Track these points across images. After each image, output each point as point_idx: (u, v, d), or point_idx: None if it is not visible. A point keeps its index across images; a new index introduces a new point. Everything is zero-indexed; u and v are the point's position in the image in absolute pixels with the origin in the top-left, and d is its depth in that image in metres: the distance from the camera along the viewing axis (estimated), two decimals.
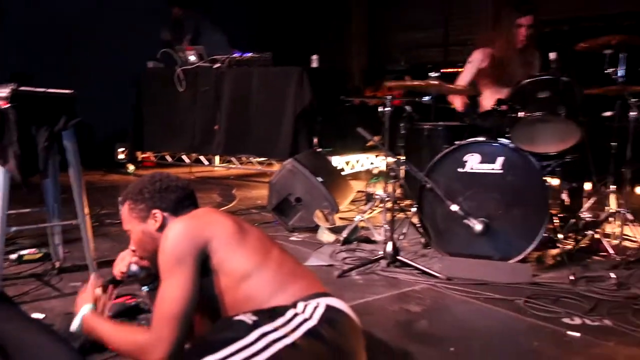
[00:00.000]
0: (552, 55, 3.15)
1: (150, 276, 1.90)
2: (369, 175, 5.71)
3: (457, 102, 4.07)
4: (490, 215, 3.06)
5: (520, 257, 3.03)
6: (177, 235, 1.61)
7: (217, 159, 6.76)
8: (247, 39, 7.06)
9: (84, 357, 1.88)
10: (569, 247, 3.35)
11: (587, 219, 3.44)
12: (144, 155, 6.90)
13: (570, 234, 3.49)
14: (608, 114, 3.38)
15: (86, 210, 2.71)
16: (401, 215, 3.58)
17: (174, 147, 6.59)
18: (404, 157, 3.84)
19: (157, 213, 1.74)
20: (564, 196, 3.44)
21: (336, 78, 6.56)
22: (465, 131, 3.54)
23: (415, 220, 3.36)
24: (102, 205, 4.47)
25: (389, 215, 3.19)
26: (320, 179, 3.90)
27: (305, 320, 1.53)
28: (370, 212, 4.11)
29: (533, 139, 3.12)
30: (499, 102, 3.25)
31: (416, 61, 8.21)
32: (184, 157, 6.71)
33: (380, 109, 3.38)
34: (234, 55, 6.06)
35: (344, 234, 3.54)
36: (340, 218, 4.02)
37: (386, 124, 3.31)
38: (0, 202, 2.42)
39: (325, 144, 5.71)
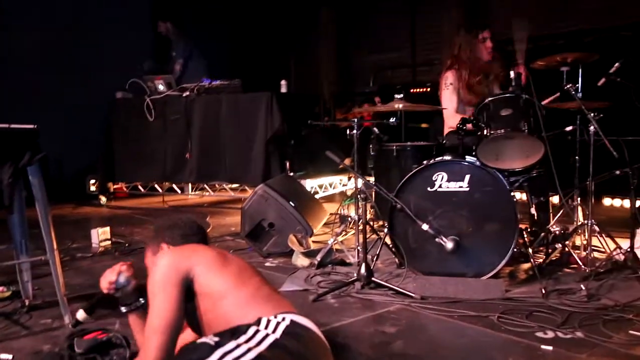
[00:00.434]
0: (512, 74, 3.23)
1: (133, 294, 2.01)
2: (343, 197, 5.74)
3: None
4: (461, 233, 3.10)
5: (493, 272, 3.07)
6: (165, 262, 1.80)
7: (189, 187, 6.73)
8: (216, 67, 7.08)
9: None
10: (540, 260, 3.40)
11: (556, 232, 3.51)
12: (116, 186, 6.84)
13: (540, 248, 3.55)
14: (569, 128, 3.46)
15: (55, 245, 2.67)
16: (374, 236, 3.60)
17: (146, 176, 6.54)
18: (374, 178, 3.89)
19: (164, 246, 2.03)
20: (533, 210, 3.50)
21: (306, 102, 6.63)
22: (433, 150, 3.60)
23: (388, 240, 3.38)
24: (73, 239, 4.40)
25: (361, 237, 3.21)
26: (292, 203, 3.91)
27: (268, 335, 1.60)
28: (344, 234, 4.12)
29: (498, 155, 3.18)
30: (464, 121, 3.32)
31: (385, 82, 8.32)
32: (157, 186, 6.66)
33: (348, 131, 3.42)
34: (203, 83, 6.08)
35: (319, 257, 3.54)
36: (314, 241, 4.03)
37: (355, 146, 3.34)
38: None
39: (298, 168, 5.74)
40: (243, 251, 4.04)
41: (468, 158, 3.21)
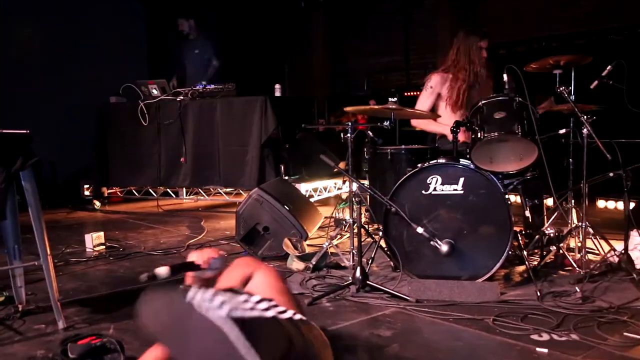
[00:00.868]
0: (505, 77, 3.24)
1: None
2: (338, 201, 5.74)
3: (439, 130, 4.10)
4: (455, 236, 3.10)
5: (488, 275, 3.07)
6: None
7: (184, 191, 6.72)
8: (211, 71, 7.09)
9: None
10: (535, 263, 3.41)
11: (551, 234, 3.52)
12: (110, 191, 6.82)
13: (535, 250, 3.56)
14: (562, 131, 3.48)
15: (48, 250, 2.65)
16: (369, 239, 3.59)
17: (141, 181, 6.53)
18: (369, 182, 3.89)
19: None
20: (528, 213, 3.50)
21: (300, 105, 6.63)
22: (428, 154, 3.60)
23: (382, 244, 3.38)
24: (67, 243, 4.39)
25: (356, 241, 3.21)
26: (287, 207, 3.91)
27: (285, 311, 1.50)
28: (339, 238, 4.12)
29: (492, 158, 3.20)
30: (457, 124, 3.32)
31: (379, 86, 8.34)
32: (151, 190, 6.64)
33: (342, 135, 3.42)
34: (197, 87, 6.08)
35: (314, 260, 3.54)
36: (309, 245, 4.03)
37: (349, 149, 3.34)
38: None
39: (292, 172, 5.74)
40: (238, 255, 4.03)
41: (462, 161, 3.22)
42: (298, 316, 1.54)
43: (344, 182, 6.30)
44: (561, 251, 3.45)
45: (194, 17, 6.96)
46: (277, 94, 6.05)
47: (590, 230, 3.30)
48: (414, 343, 2.45)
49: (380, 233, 3.33)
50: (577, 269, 3.23)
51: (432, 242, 3.03)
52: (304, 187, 5.81)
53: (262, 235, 3.93)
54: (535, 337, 2.41)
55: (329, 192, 6.34)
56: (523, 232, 3.59)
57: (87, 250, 4.25)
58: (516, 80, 3.17)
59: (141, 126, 6.19)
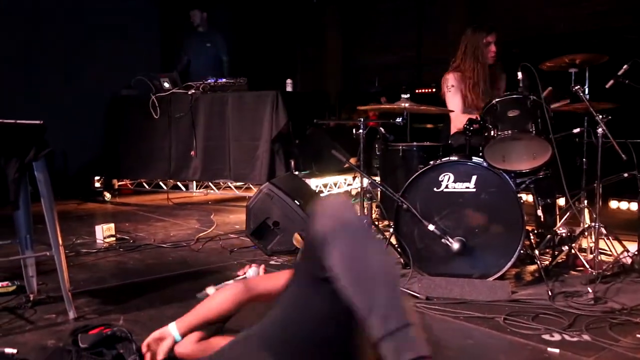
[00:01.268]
0: (519, 75, 3.21)
1: None
2: (347, 197, 5.72)
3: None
4: (467, 234, 3.08)
5: (499, 274, 3.06)
6: None
7: (194, 184, 6.73)
8: (223, 65, 7.09)
9: None
10: (546, 262, 3.39)
11: (563, 234, 3.49)
12: (120, 183, 6.85)
13: (546, 250, 3.54)
14: (577, 130, 3.45)
15: (60, 241, 2.67)
16: (379, 236, 3.58)
17: (151, 174, 6.54)
18: (380, 178, 3.87)
19: None
20: (539, 212, 3.48)
21: (312, 101, 6.62)
22: (440, 151, 3.58)
23: (393, 240, 3.37)
24: (77, 235, 4.41)
25: None
26: (297, 202, 3.90)
27: None
28: None
29: (505, 156, 3.17)
30: (470, 122, 3.30)
31: (390, 82, 8.31)
32: (161, 183, 6.66)
33: (354, 130, 3.40)
34: (209, 81, 6.08)
35: None
36: None
37: (361, 145, 3.33)
38: None
39: (302, 167, 5.73)
40: (247, 249, 4.04)
41: (475, 159, 3.20)
42: None
43: (354, 178, 6.29)
44: (573, 251, 3.42)
45: (207, 10, 6.95)
46: (289, 89, 6.04)
47: (603, 230, 3.27)
48: None
49: (391, 229, 3.33)
50: (589, 269, 3.20)
51: (443, 240, 3.02)
52: (314, 183, 5.80)
53: (272, 230, 3.93)
54: (546, 337, 2.40)
55: (338, 187, 6.33)
56: (535, 232, 3.57)
57: (98, 241, 4.27)
58: (531, 78, 3.14)
59: (152, 119, 6.20)
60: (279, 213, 3.91)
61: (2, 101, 5.82)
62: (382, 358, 1.36)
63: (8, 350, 2.21)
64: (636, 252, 3.23)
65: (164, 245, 4.18)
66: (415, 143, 3.78)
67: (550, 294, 2.86)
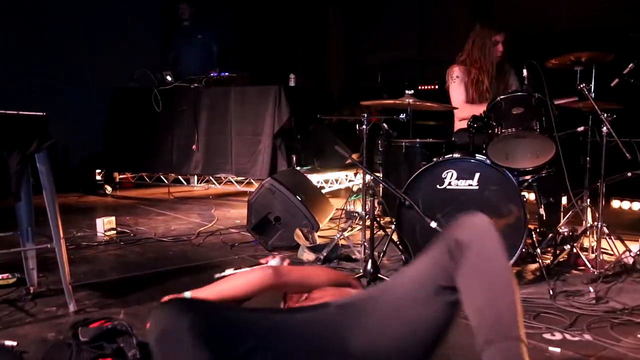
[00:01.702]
0: (524, 72, 3.19)
1: None
2: (348, 193, 5.72)
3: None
4: None
5: None
6: None
7: (195, 179, 6.73)
8: (225, 59, 7.06)
9: None
10: (548, 261, 3.38)
11: (565, 233, 3.48)
12: (122, 176, 6.84)
13: (548, 249, 3.53)
14: (581, 129, 3.43)
15: (61, 233, 2.66)
16: (381, 232, 3.57)
17: (152, 167, 6.54)
18: (383, 174, 3.86)
19: None
20: (542, 211, 3.47)
21: (314, 96, 6.60)
22: (443, 148, 3.57)
23: (395, 237, 3.36)
24: (78, 227, 4.40)
25: (368, 233, 3.19)
26: (299, 197, 3.89)
27: None
28: (350, 230, 4.10)
29: (509, 154, 3.15)
30: (474, 119, 3.28)
31: (392, 78, 8.27)
32: (163, 177, 6.66)
33: (357, 126, 3.39)
34: (211, 75, 6.06)
35: (324, 252, 3.52)
36: (320, 236, 4.01)
37: (364, 141, 3.32)
38: None
39: (304, 162, 5.72)
40: (248, 244, 4.03)
41: (478, 156, 3.18)
42: None
43: (355, 174, 6.27)
44: (575, 250, 3.41)
45: (209, 4, 6.93)
46: (292, 84, 6.02)
47: (606, 230, 3.26)
48: None
49: (393, 226, 3.32)
50: (591, 268, 3.19)
51: None
52: (316, 178, 5.79)
53: (274, 225, 3.93)
54: (547, 336, 2.39)
55: (340, 183, 6.32)
56: (537, 230, 3.56)
57: (99, 234, 4.26)
58: (535, 76, 3.12)
59: (154, 112, 6.19)
60: (281, 208, 3.91)
61: (3, 94, 5.81)
62: None
63: (8, 342, 2.20)
64: (638, 252, 3.22)
65: (165, 239, 4.18)
66: (418, 140, 3.77)
67: (551, 293, 2.85)
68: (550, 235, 3.44)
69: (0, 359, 1.86)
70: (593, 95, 3.24)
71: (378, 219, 3.68)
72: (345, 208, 4.48)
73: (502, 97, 3.17)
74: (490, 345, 1.40)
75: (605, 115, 3.07)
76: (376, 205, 3.39)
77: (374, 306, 1.61)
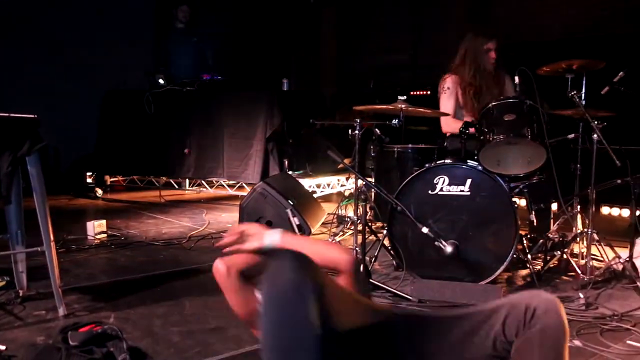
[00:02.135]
0: (516, 79, 3.21)
1: None
2: (340, 198, 5.72)
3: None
4: (460, 237, 3.08)
5: (491, 278, 3.06)
6: None
7: (187, 182, 6.71)
8: (217, 63, 7.05)
9: None
10: (538, 267, 3.40)
11: (555, 239, 3.50)
12: (113, 179, 6.81)
13: (539, 255, 3.55)
14: (572, 136, 3.45)
15: (52, 236, 2.64)
16: (372, 237, 3.58)
17: (144, 170, 6.52)
18: (374, 179, 3.87)
19: None
20: (532, 217, 3.49)
21: (307, 100, 6.61)
22: (435, 153, 3.58)
23: (386, 242, 3.37)
24: (69, 231, 4.37)
25: (359, 238, 3.19)
26: (291, 202, 3.89)
27: None
28: (342, 235, 4.10)
29: (500, 161, 3.17)
30: (466, 125, 3.30)
31: (385, 84, 8.29)
32: (154, 180, 6.63)
33: (350, 131, 3.40)
34: (204, 78, 6.06)
35: None
36: None
37: (356, 146, 3.32)
38: None
39: (296, 167, 5.72)
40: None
41: (470, 162, 3.20)
42: None
43: (347, 178, 6.28)
44: (565, 256, 3.43)
45: (204, 8, 6.94)
46: (285, 88, 6.04)
47: (595, 236, 3.28)
48: None
49: (384, 231, 3.32)
50: (581, 275, 3.21)
51: (436, 243, 3.01)
52: (307, 183, 5.79)
53: None
54: None
55: (332, 188, 6.32)
56: (528, 236, 3.58)
57: (89, 237, 4.24)
58: (527, 83, 3.14)
59: (146, 115, 6.17)
60: (273, 212, 3.90)
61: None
62: None
63: None
64: (627, 259, 3.24)
65: (156, 243, 4.16)
66: (410, 145, 3.78)
67: None
68: (541, 241, 3.46)
69: None
70: (584, 103, 3.26)
71: (370, 224, 3.69)
72: (337, 213, 4.49)
73: (493, 103, 3.19)
74: None
75: (595, 122, 3.09)
76: (368, 210, 3.40)
77: (443, 330, 1.60)
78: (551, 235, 3.52)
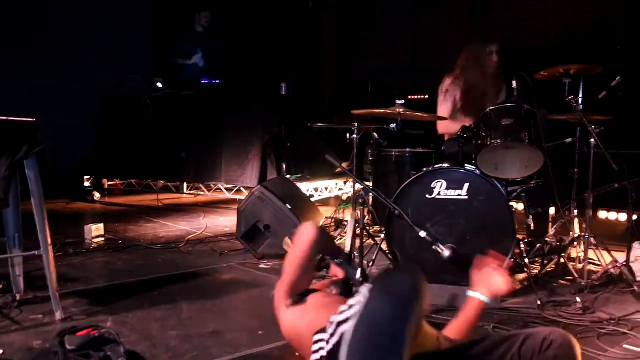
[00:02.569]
0: (514, 84, 3.22)
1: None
2: (338, 202, 5.72)
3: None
4: (458, 241, 3.08)
5: None
6: None
7: (185, 186, 6.71)
8: (217, 67, 7.07)
9: None
10: (536, 271, 3.40)
11: (553, 243, 3.51)
12: (110, 183, 6.81)
13: (536, 259, 3.55)
14: (569, 140, 3.46)
15: (49, 240, 2.64)
16: (370, 241, 3.58)
17: (142, 174, 6.52)
18: (373, 183, 3.87)
19: None
20: (530, 221, 3.49)
21: (306, 104, 6.62)
22: (432, 158, 3.59)
23: (384, 246, 3.37)
24: (66, 234, 4.37)
25: (357, 242, 3.19)
26: (289, 206, 3.89)
27: None
28: (340, 239, 4.10)
29: (498, 165, 3.18)
30: (464, 129, 3.31)
31: (384, 87, 8.30)
32: (152, 184, 6.63)
33: (348, 135, 3.40)
34: (203, 82, 6.07)
35: None
36: None
37: (355, 150, 3.33)
38: None
39: (294, 171, 5.73)
40: (238, 252, 4.02)
41: (467, 166, 3.20)
42: None
43: (345, 182, 6.29)
44: (563, 260, 3.44)
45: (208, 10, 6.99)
46: (283, 92, 6.05)
47: (593, 240, 3.28)
48: None
49: (382, 235, 3.32)
50: (579, 279, 3.22)
51: (434, 247, 3.01)
52: (305, 187, 5.80)
53: (263, 233, 3.92)
54: None
55: (329, 192, 6.32)
56: (525, 240, 3.58)
57: (87, 241, 4.23)
58: (525, 87, 3.15)
59: (145, 119, 6.17)
60: (271, 216, 3.90)
61: None
62: None
63: None
64: (624, 263, 3.25)
65: (154, 247, 4.16)
66: (408, 149, 3.79)
67: (539, 303, 2.87)
68: (539, 245, 3.46)
69: None
70: (582, 107, 3.27)
71: (367, 228, 3.69)
72: (334, 216, 4.49)
73: (491, 108, 3.20)
74: None
75: (593, 127, 3.10)
76: (366, 214, 3.40)
77: (463, 346, 1.70)
78: (549, 240, 3.52)
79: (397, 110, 3.29)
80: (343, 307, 1.47)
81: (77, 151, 6.78)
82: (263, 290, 3.17)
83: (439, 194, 3.15)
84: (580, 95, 3.37)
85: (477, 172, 3.14)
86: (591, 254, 3.35)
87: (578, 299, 2.89)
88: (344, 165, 3.71)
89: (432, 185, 3.16)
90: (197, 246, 4.23)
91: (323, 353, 1.57)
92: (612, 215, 4.35)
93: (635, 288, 3.07)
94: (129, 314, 2.71)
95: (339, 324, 1.47)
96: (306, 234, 2.03)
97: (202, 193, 6.52)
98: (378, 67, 8.93)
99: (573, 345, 1.60)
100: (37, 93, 6.43)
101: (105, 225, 4.49)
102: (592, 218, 3.30)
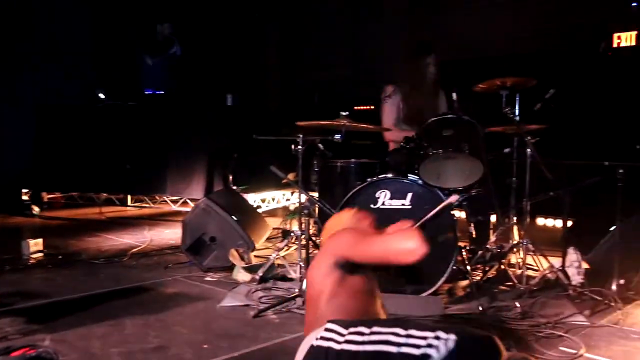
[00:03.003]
0: (454, 96, 3.32)
1: None
2: (285, 212, 5.72)
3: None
4: None
5: (432, 289, 3.12)
6: None
7: (129, 198, 6.57)
8: (161, 77, 6.97)
9: None
10: (478, 278, 3.49)
11: (494, 250, 3.61)
12: (50, 196, 6.60)
13: (478, 265, 3.64)
14: (507, 150, 3.58)
15: None
16: (317, 252, 3.59)
17: (84, 186, 6.35)
18: (318, 194, 3.90)
19: None
20: (472, 229, 3.58)
21: (251, 115, 6.61)
22: (377, 168, 3.64)
23: None
24: (2, 250, 4.20)
25: (304, 252, 3.20)
26: (234, 217, 3.87)
27: None
28: (287, 249, 4.10)
29: (440, 174, 3.25)
30: (407, 140, 3.37)
31: (329, 99, 8.37)
32: (94, 196, 6.47)
33: (293, 146, 3.42)
34: (146, 92, 5.98)
35: (260, 272, 3.51)
36: (256, 256, 3.99)
37: (299, 161, 3.34)
38: None
39: (241, 182, 5.70)
40: (183, 265, 3.96)
41: (410, 176, 3.27)
42: None
43: (292, 193, 6.29)
44: (503, 267, 3.54)
45: (154, 23, 6.91)
46: (229, 103, 6.02)
47: (531, 247, 3.40)
48: None
49: None
50: (518, 284, 3.32)
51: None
52: (252, 198, 5.78)
53: (209, 245, 3.88)
54: None
55: (277, 203, 6.32)
56: (467, 248, 3.66)
57: (24, 257, 4.08)
58: (465, 99, 3.25)
59: (86, 130, 6.03)
60: (216, 228, 3.87)
61: None
62: None
63: None
64: (560, 268, 3.37)
65: (96, 261, 4.05)
66: (353, 160, 3.83)
67: (481, 308, 2.94)
68: (480, 252, 3.55)
69: None
70: (518, 118, 3.39)
71: (314, 238, 3.71)
72: (282, 227, 4.48)
73: (433, 119, 3.28)
74: None
75: (529, 137, 3.22)
76: (312, 224, 3.42)
77: None
78: (490, 247, 3.62)
79: (342, 121, 3.32)
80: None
81: (14, 163, 6.53)
82: (208, 303, 3.14)
83: (383, 204, 3.19)
84: (517, 107, 3.49)
85: (420, 181, 3.20)
86: (529, 259, 3.47)
87: (517, 304, 2.98)
88: (290, 176, 3.72)
89: (377, 195, 3.20)
90: (141, 260, 4.15)
91: (333, 345, 1.57)
92: (549, 222, 4.51)
93: (570, 292, 3.19)
94: (68, 331, 2.63)
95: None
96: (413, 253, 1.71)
97: (147, 205, 6.41)
98: (323, 78, 9.00)
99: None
100: None
101: (45, 239, 4.34)
102: (530, 225, 3.42)
